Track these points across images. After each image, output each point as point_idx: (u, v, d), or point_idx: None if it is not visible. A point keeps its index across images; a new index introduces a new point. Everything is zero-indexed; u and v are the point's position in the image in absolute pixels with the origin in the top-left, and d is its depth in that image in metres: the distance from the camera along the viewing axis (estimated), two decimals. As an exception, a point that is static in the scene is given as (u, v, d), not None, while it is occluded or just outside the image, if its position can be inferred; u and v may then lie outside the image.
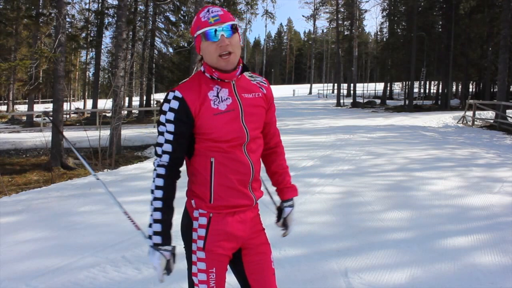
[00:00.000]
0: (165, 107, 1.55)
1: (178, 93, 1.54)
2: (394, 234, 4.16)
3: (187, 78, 1.69)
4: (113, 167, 10.47)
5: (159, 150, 1.57)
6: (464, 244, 3.87)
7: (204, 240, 1.61)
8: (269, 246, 1.79)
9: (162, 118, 1.56)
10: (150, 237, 1.55)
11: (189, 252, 1.68)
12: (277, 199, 1.94)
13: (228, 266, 1.72)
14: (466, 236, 4.06)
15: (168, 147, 1.55)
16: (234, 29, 1.55)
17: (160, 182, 1.55)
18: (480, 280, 3.15)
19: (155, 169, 1.57)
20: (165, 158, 1.56)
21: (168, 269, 1.55)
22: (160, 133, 1.57)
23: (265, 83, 1.76)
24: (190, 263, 1.67)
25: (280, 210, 1.89)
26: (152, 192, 1.56)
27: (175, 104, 1.54)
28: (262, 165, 1.83)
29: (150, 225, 1.56)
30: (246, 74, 1.70)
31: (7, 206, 5.48)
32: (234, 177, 1.60)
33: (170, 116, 1.54)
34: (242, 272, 1.72)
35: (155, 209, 1.54)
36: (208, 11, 1.55)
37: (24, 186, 10.09)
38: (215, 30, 1.51)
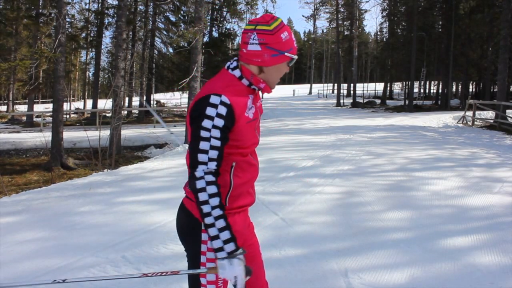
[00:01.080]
0: (211, 111, 1.48)
1: (225, 99, 1.50)
2: (394, 234, 4.16)
3: (217, 76, 1.66)
4: (113, 167, 10.47)
5: (203, 157, 1.48)
6: (464, 244, 3.87)
7: None
8: (256, 238, 1.84)
9: (207, 123, 1.47)
10: (219, 250, 1.47)
11: (195, 252, 1.65)
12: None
13: None
14: (466, 236, 4.06)
15: (214, 154, 1.49)
16: None
17: (214, 189, 1.47)
18: (480, 280, 3.15)
19: (201, 178, 1.46)
20: (212, 165, 1.48)
21: (248, 272, 1.49)
22: (205, 139, 1.48)
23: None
24: (195, 263, 1.65)
25: None
26: (207, 202, 1.45)
27: (223, 110, 1.49)
28: None
29: (216, 237, 1.46)
30: None
31: (7, 206, 5.48)
32: (247, 179, 1.66)
33: (218, 122, 1.48)
34: None
35: (217, 217, 1.46)
36: (292, 35, 1.59)
37: (24, 186, 10.09)
38: (294, 58, 1.61)
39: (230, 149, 1.57)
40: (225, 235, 1.47)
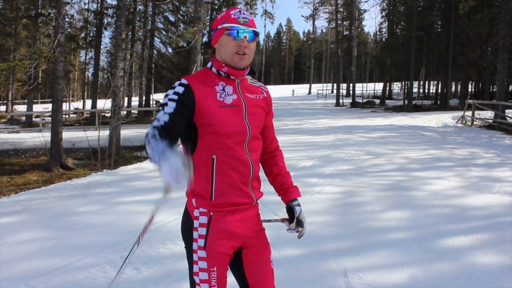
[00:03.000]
0: (170, 91, 1.58)
1: (184, 81, 1.60)
2: (393, 234, 4.16)
3: (194, 73, 1.71)
4: (113, 167, 10.46)
5: (155, 122, 1.51)
6: (463, 244, 3.87)
7: (205, 239, 1.62)
8: (269, 246, 1.80)
9: (165, 100, 1.56)
10: (156, 159, 1.32)
11: (190, 251, 1.67)
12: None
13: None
14: (466, 236, 4.07)
15: (165, 118, 1.51)
16: (256, 36, 1.64)
17: (154, 132, 1.44)
18: (479, 280, 3.15)
19: (148, 131, 1.46)
20: (160, 123, 1.49)
21: (189, 169, 1.28)
22: (160, 111, 1.54)
23: (265, 88, 1.83)
24: (191, 262, 1.66)
25: (290, 210, 1.86)
26: (148, 141, 1.40)
27: (180, 89, 1.57)
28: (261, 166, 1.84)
29: (153, 154, 1.34)
30: (248, 78, 1.76)
31: (6, 207, 5.48)
32: (235, 175, 1.62)
33: (174, 97, 1.55)
34: (241, 271, 1.73)
35: (154, 144, 1.36)
36: (240, 11, 1.63)
37: (23, 186, 10.07)
38: (240, 30, 1.59)
39: (207, 137, 1.59)
40: (159, 147, 1.33)
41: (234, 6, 28.41)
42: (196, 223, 1.64)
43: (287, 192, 1.89)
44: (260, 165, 1.83)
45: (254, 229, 1.75)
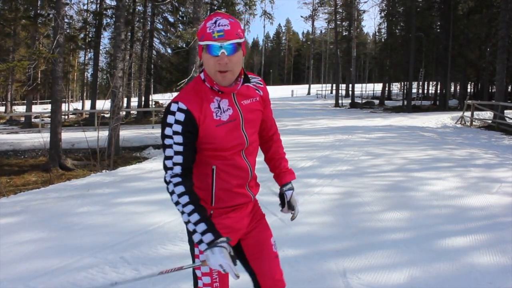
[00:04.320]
0: (170, 119, 1.54)
1: (182, 105, 1.55)
2: (392, 234, 4.16)
3: (185, 85, 1.69)
4: (112, 168, 10.46)
5: (169, 163, 1.55)
6: (462, 244, 3.88)
7: None
8: (269, 230, 1.87)
9: (168, 131, 1.54)
10: (200, 242, 1.48)
11: (192, 249, 1.72)
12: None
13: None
14: (465, 236, 4.07)
15: (179, 159, 1.54)
16: (237, 46, 1.53)
17: (181, 189, 1.52)
18: (479, 280, 3.16)
19: (169, 182, 1.54)
20: (177, 169, 1.54)
21: (234, 260, 1.45)
22: (168, 146, 1.55)
23: (261, 84, 1.78)
24: (193, 259, 1.73)
25: (281, 195, 1.90)
26: (178, 202, 1.52)
27: (180, 116, 1.54)
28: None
29: (193, 232, 1.50)
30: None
31: (6, 207, 5.47)
32: (234, 181, 1.67)
33: (177, 128, 1.53)
34: (245, 260, 1.80)
35: (190, 213, 1.50)
36: (215, 22, 1.51)
37: (23, 187, 10.06)
38: (216, 47, 1.49)
39: (208, 152, 1.62)
40: (201, 227, 1.48)
41: (233, 6, 28.43)
42: None
43: (279, 177, 1.93)
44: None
45: (253, 220, 1.82)
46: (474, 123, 17.82)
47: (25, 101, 31.65)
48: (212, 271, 1.65)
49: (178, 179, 1.53)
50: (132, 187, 6.63)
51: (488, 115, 19.70)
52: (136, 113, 29.18)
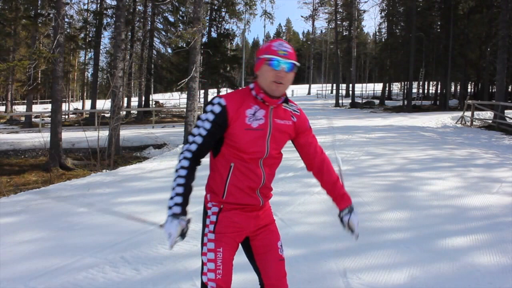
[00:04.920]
0: (209, 108, 1.82)
1: (222, 101, 1.81)
2: (393, 234, 4.16)
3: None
4: (112, 167, 10.46)
5: (191, 138, 1.84)
6: (463, 244, 3.88)
7: (215, 224, 1.88)
8: (277, 235, 2.03)
9: (203, 116, 1.83)
10: (169, 208, 1.77)
11: (202, 236, 1.93)
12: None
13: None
14: (465, 236, 4.07)
15: (198, 140, 1.82)
16: (294, 67, 1.82)
17: (185, 163, 1.81)
18: (479, 280, 3.16)
19: (182, 152, 1.83)
20: (193, 147, 1.82)
21: (182, 235, 1.74)
22: (197, 126, 1.84)
23: (298, 112, 2.01)
24: (202, 245, 1.91)
25: (341, 219, 2.11)
26: (177, 170, 1.80)
27: (217, 109, 1.80)
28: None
29: (171, 198, 1.78)
30: (284, 103, 1.95)
31: (6, 207, 5.48)
32: (246, 182, 1.87)
33: (210, 117, 1.80)
34: (252, 258, 2.00)
35: (178, 185, 1.78)
36: (280, 44, 1.82)
37: (23, 186, 10.06)
38: (280, 62, 1.77)
39: (229, 149, 1.85)
40: (178, 199, 1.77)
41: (233, 6, 28.44)
42: (209, 212, 1.92)
43: (336, 203, 2.17)
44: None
45: (261, 223, 1.98)
46: (474, 123, 17.82)
47: (25, 101, 31.65)
48: (216, 258, 1.83)
49: (188, 154, 1.82)
50: (132, 187, 6.63)
51: (488, 115, 19.69)
52: (136, 113, 29.16)
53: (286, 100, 1.94)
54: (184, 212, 1.76)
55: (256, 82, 1.87)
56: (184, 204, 1.78)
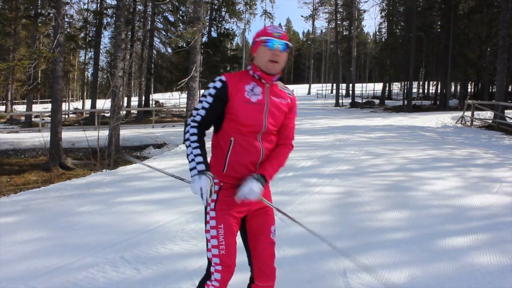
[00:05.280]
0: (211, 84, 2.00)
1: (223, 78, 2.00)
2: (393, 234, 4.16)
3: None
4: (112, 167, 10.46)
5: (195, 112, 1.99)
6: (463, 244, 3.88)
7: (215, 202, 2.01)
8: (272, 218, 2.14)
9: (206, 92, 2.00)
10: (193, 169, 1.87)
11: (205, 214, 2.05)
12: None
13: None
14: (465, 236, 4.07)
15: (202, 112, 1.98)
16: (287, 48, 2.00)
17: (194, 130, 1.96)
18: (479, 280, 3.16)
19: (189, 124, 1.98)
20: (198, 118, 1.98)
21: (211, 192, 1.84)
22: (201, 101, 1.99)
23: (291, 95, 2.18)
24: (205, 223, 2.04)
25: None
26: (188, 139, 1.95)
27: (218, 84, 1.98)
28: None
29: (192, 160, 1.89)
30: (280, 84, 2.13)
31: (6, 207, 5.48)
32: (246, 156, 1.99)
33: (212, 92, 1.97)
34: (245, 236, 2.13)
35: (194, 148, 1.92)
36: (274, 27, 2.03)
37: (23, 186, 10.06)
38: (275, 42, 1.96)
39: (229, 123, 2.00)
40: (199, 158, 1.89)
41: (233, 6, 28.46)
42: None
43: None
44: None
45: (259, 203, 2.06)
46: (474, 123, 17.81)
47: (26, 101, 31.66)
48: (218, 234, 1.95)
49: (195, 124, 1.97)
50: (132, 186, 6.63)
51: (488, 115, 19.69)
52: (136, 112, 29.15)
53: (281, 79, 2.10)
54: (208, 168, 1.88)
55: (253, 63, 2.04)
56: (206, 162, 1.89)
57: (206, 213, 2.03)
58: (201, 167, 1.87)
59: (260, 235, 2.08)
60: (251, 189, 1.93)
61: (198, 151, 1.91)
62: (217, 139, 2.05)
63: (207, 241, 2.00)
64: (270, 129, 2.04)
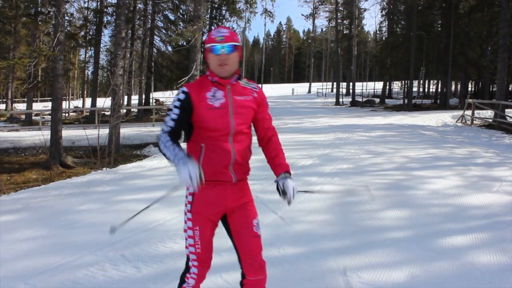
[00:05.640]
0: (175, 97, 2.06)
1: (185, 89, 2.05)
2: (393, 233, 4.16)
3: (195, 80, 2.19)
4: (112, 165, 10.46)
5: (164, 125, 2.05)
6: (463, 243, 3.87)
7: (191, 204, 2.10)
8: (253, 213, 2.18)
9: (172, 105, 2.06)
10: (175, 160, 1.89)
11: (184, 213, 2.14)
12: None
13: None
14: (465, 235, 4.06)
15: (171, 123, 2.03)
16: (234, 48, 2.01)
17: (167, 137, 2.00)
18: (479, 279, 3.15)
19: (160, 135, 2.04)
20: (168, 128, 2.03)
21: (201, 176, 1.83)
22: (168, 114, 2.05)
23: (257, 89, 2.20)
24: (184, 222, 2.14)
25: (277, 187, 2.17)
26: (164, 145, 1.97)
27: (182, 96, 2.03)
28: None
29: (171, 155, 1.92)
30: (243, 81, 2.15)
31: (6, 205, 5.48)
32: (217, 159, 2.04)
33: (177, 103, 2.03)
34: (230, 233, 2.18)
35: (171, 146, 1.95)
36: (218, 31, 2.03)
37: (23, 184, 10.07)
38: (218, 47, 1.98)
39: (200, 131, 2.05)
40: (178, 152, 1.92)
41: (233, 4, 28.43)
42: (186, 192, 2.13)
43: (274, 172, 2.22)
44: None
45: (236, 201, 2.13)
46: (474, 122, 17.80)
47: (26, 99, 31.68)
48: (194, 235, 2.07)
49: (166, 134, 2.02)
50: (133, 184, 6.63)
51: (488, 114, 19.68)
52: (136, 111, 29.16)
53: (240, 78, 2.12)
54: (191, 158, 1.88)
55: (209, 69, 2.09)
56: (186, 153, 1.92)
57: (184, 213, 2.13)
58: (182, 154, 1.90)
59: (243, 229, 2.13)
60: (293, 187, 2.09)
61: (176, 148, 1.95)
62: (189, 148, 2.11)
63: (186, 238, 2.12)
64: (239, 129, 2.07)
